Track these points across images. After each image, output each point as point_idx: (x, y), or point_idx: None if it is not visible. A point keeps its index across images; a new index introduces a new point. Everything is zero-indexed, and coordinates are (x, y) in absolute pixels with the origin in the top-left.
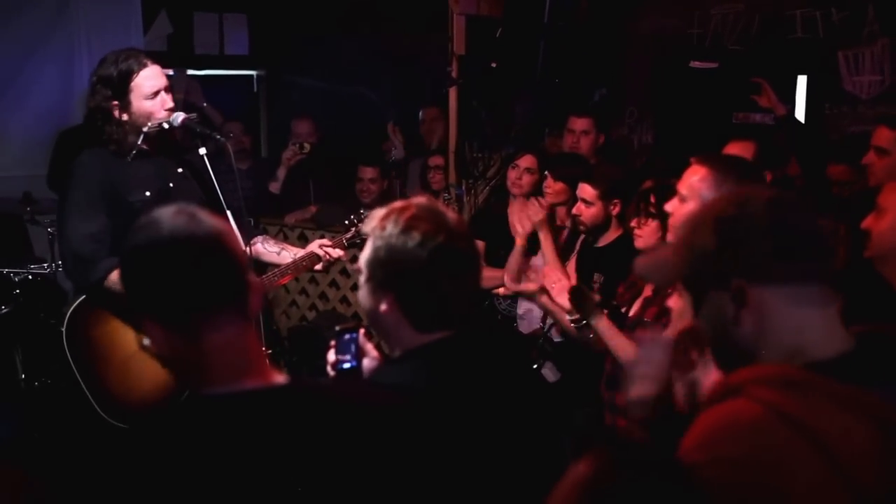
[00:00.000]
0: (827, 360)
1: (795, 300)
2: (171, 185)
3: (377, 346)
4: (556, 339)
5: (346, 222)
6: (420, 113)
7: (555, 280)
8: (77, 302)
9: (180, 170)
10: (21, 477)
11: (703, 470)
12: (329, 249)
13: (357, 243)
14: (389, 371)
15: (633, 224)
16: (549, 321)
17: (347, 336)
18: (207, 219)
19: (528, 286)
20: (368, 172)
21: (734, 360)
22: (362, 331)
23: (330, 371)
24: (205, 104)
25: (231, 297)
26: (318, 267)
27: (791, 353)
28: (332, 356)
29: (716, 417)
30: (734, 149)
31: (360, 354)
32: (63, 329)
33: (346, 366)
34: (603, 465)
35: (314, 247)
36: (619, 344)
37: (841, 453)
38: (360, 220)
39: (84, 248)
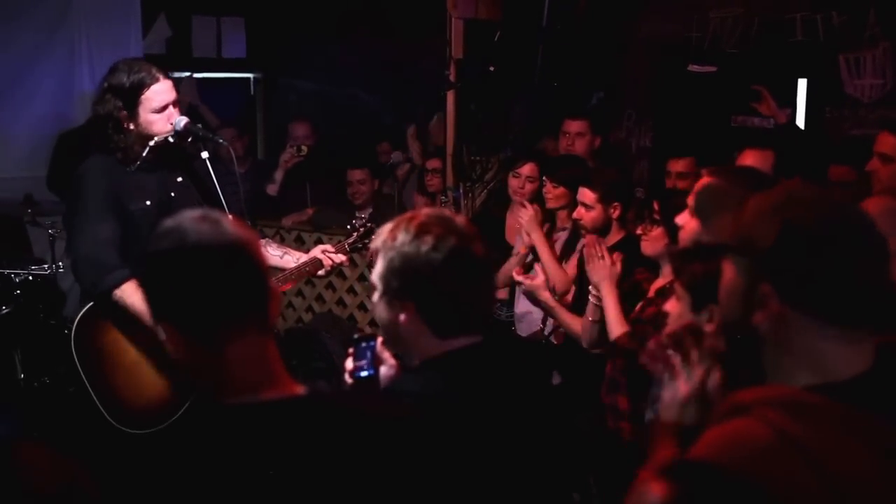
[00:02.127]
0: (841, 383)
1: (821, 334)
2: (171, 194)
3: (394, 355)
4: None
5: (349, 227)
6: (435, 116)
7: (592, 253)
8: (85, 308)
9: (180, 179)
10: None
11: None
12: (332, 255)
13: (359, 248)
14: (408, 379)
15: (638, 231)
16: (550, 324)
17: (364, 344)
18: (232, 227)
19: (533, 280)
20: (357, 174)
21: (741, 348)
22: (380, 339)
23: (347, 378)
24: (199, 104)
25: (253, 307)
26: (321, 272)
27: (806, 370)
28: (349, 364)
29: (722, 434)
30: (750, 157)
31: (377, 362)
32: (71, 333)
33: (364, 373)
34: (677, 494)
35: (317, 252)
36: (613, 319)
37: (843, 480)
38: (363, 225)
39: (95, 252)
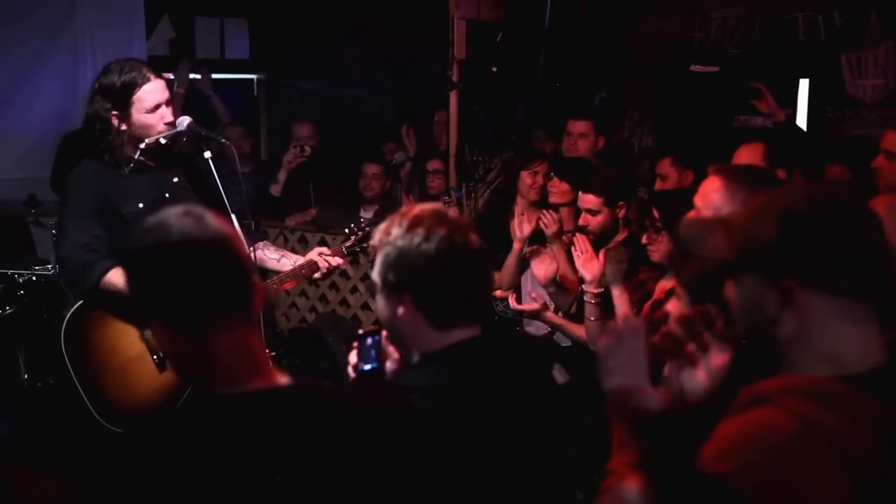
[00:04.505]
0: (860, 374)
1: (842, 314)
2: (166, 195)
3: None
4: (564, 343)
5: (347, 231)
6: (436, 115)
7: (582, 250)
8: (75, 307)
9: (176, 179)
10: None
11: (731, 479)
12: (328, 258)
13: (357, 251)
14: (411, 375)
15: (644, 241)
16: None
17: (369, 339)
18: (214, 222)
19: (531, 305)
20: (373, 168)
21: (765, 354)
22: (384, 333)
23: (351, 373)
24: (211, 94)
25: (237, 300)
26: (318, 275)
27: (826, 363)
28: (353, 358)
29: (744, 425)
30: (744, 152)
31: (381, 357)
32: (61, 333)
33: (367, 367)
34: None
35: (314, 255)
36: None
37: (869, 470)
38: (361, 229)
39: (78, 257)
